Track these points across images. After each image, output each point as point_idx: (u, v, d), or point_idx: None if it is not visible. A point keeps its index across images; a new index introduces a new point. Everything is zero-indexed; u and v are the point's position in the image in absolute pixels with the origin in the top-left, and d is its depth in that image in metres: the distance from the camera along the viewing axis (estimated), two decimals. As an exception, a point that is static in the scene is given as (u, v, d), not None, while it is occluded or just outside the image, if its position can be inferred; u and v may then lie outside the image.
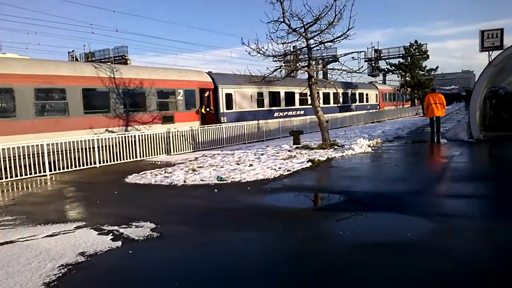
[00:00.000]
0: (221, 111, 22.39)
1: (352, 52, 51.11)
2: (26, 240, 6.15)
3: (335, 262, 4.83)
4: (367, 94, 42.62)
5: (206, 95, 21.72)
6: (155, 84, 18.63)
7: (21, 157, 12.71)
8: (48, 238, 6.18)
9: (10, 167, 12.44)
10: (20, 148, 12.64)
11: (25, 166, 12.82)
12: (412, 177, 10.43)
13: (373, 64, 60.44)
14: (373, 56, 60.69)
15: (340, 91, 33.67)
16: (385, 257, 4.88)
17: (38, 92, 14.85)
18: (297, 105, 28.77)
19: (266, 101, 26.03)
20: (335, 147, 15.66)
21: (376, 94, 45.24)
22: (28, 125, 14.11)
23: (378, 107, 44.25)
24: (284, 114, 27.18)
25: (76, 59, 49.40)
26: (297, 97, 28.63)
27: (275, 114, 26.33)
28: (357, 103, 39.76)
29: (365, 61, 60.09)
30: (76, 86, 15.61)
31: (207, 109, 21.79)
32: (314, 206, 8.37)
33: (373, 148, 15.72)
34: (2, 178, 12.26)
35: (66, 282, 4.56)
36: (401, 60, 47.66)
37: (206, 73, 22.50)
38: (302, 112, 28.48)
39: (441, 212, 6.81)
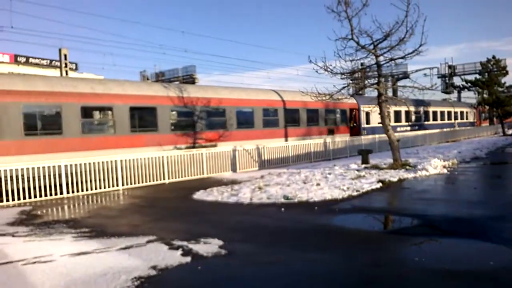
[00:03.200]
0: (363, 126, 28.04)
1: (424, 68, 49.59)
2: (102, 251, 6.39)
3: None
4: (467, 113, 45.37)
5: (353, 113, 27.41)
6: (325, 105, 24.00)
7: (97, 171, 13.42)
8: (121, 251, 6.38)
9: (87, 181, 13.17)
10: (97, 164, 13.36)
11: (99, 180, 13.51)
12: (493, 201, 9.64)
13: (447, 81, 57.72)
14: (446, 72, 57.98)
15: (440, 109, 39.21)
16: (466, 287, 4.54)
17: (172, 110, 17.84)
18: (425, 121, 35.26)
19: (392, 118, 30.04)
20: (407, 167, 14.99)
21: (474, 113, 47.39)
22: (166, 138, 16.82)
23: (475, 124, 46.59)
24: (404, 129, 31.74)
25: (147, 79, 51.96)
26: (425, 114, 35.39)
27: (398, 129, 30.39)
28: (459, 120, 42.97)
29: (438, 77, 57.53)
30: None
31: (354, 124, 27.40)
32: (384, 229, 8.01)
33: (448, 169, 14.86)
34: (78, 191, 12.99)
35: (138, 295, 4.64)
36: (478, 77, 45.21)
37: (351, 95, 26.85)
38: (417, 127, 33.72)
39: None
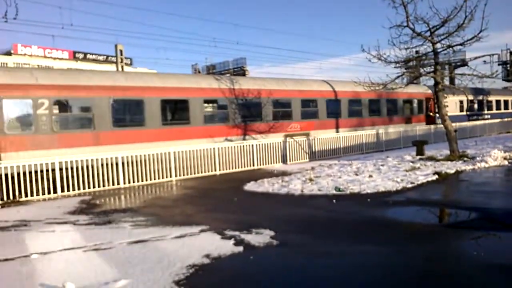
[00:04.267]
0: (437, 115, 27.49)
1: (483, 55, 46.50)
2: (157, 240, 6.60)
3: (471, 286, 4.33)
4: None
5: (429, 103, 28.10)
6: (401, 95, 24.91)
7: (151, 163, 13.86)
8: (176, 239, 6.56)
9: (142, 172, 13.63)
10: (151, 155, 13.79)
11: (154, 171, 13.94)
12: None
13: (508, 68, 54.29)
14: (508, 59, 54.48)
15: (501, 98, 37.53)
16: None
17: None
18: (485, 111, 34.67)
19: (464, 107, 31.81)
20: (465, 158, 14.32)
21: None
22: (268, 127, 18.35)
23: None
24: (475, 118, 31.98)
25: (199, 71, 52.90)
26: (485, 104, 34.93)
27: (469, 118, 31.35)
28: None
29: (498, 64, 54.14)
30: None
31: (430, 113, 27.95)
32: (440, 222, 7.77)
33: (509, 161, 14.02)
34: (134, 182, 13.46)
35: (194, 282, 4.75)
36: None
37: (426, 86, 28.33)
38: (489, 116, 33.80)
39: None
